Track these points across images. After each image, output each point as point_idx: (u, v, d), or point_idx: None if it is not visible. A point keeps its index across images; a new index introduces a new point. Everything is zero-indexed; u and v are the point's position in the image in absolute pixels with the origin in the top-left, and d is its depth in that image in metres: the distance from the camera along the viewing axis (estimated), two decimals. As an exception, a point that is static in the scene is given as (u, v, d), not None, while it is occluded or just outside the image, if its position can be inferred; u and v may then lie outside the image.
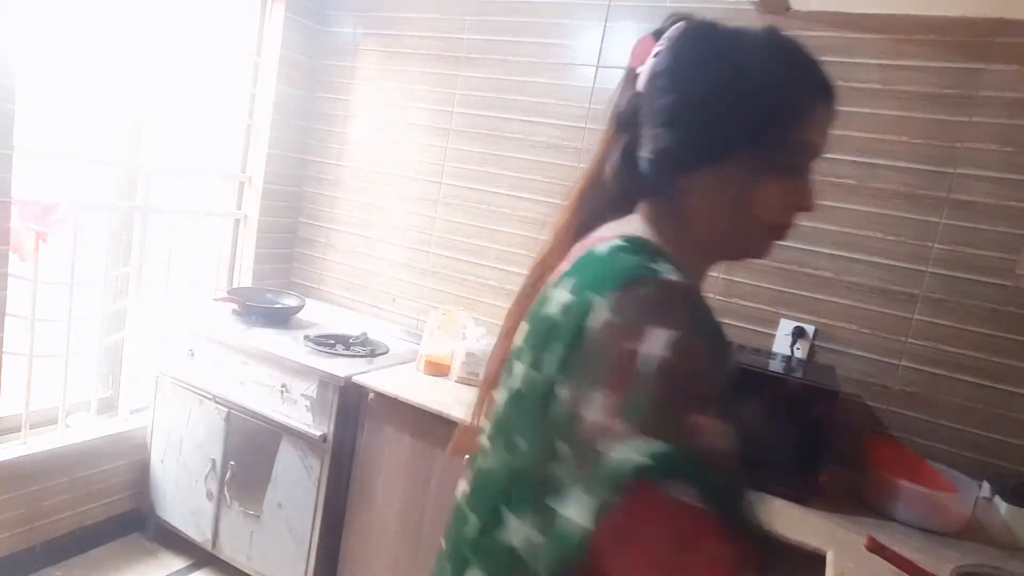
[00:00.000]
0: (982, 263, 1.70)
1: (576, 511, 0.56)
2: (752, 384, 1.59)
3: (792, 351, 1.88)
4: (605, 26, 2.14)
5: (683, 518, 0.54)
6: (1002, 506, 1.56)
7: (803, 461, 1.52)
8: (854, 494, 1.62)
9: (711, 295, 2.01)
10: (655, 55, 0.74)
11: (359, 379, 1.89)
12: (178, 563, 2.26)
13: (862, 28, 1.80)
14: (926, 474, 1.61)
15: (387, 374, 1.97)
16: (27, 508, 2.02)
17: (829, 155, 1.84)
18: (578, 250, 0.71)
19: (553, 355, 0.62)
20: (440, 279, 2.47)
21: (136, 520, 2.36)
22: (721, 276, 1.99)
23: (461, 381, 1.99)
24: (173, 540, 2.30)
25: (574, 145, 2.20)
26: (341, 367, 1.94)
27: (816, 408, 1.52)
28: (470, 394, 1.96)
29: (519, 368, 0.66)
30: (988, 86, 1.68)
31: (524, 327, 0.70)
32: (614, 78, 2.19)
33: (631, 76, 0.75)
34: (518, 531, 0.63)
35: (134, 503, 2.36)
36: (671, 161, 0.69)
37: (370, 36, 2.58)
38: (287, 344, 2.07)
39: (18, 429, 2.01)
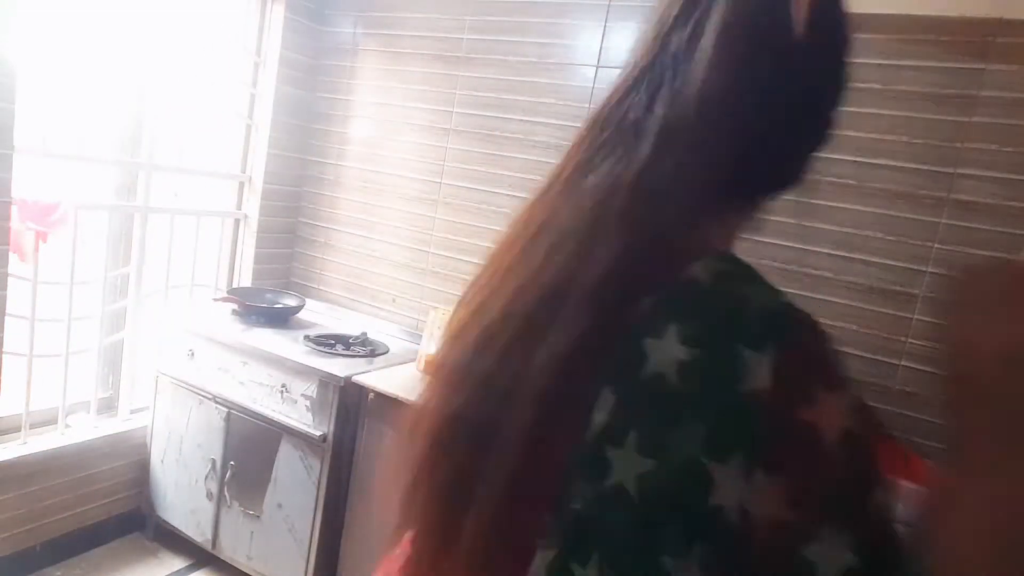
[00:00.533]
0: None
1: None
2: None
3: (792, 351, 1.88)
4: (605, 26, 2.14)
5: None
6: (1002, 506, 1.56)
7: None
8: (854, 494, 1.62)
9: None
10: None
11: (359, 379, 1.89)
12: (178, 563, 2.26)
13: (862, 28, 1.79)
14: (926, 474, 1.61)
15: (387, 374, 1.97)
16: (27, 508, 2.02)
17: (829, 155, 1.84)
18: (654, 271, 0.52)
19: (685, 435, 0.46)
20: (440, 279, 2.47)
21: (136, 520, 2.36)
22: (721, 276, 1.99)
23: (461, 381, 1.99)
24: (173, 540, 2.30)
25: (574, 145, 2.19)
26: (341, 367, 1.94)
27: (816, 408, 1.51)
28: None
29: (613, 459, 0.48)
30: (988, 86, 1.68)
31: (607, 397, 0.49)
32: (614, 78, 2.18)
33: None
34: None
35: (134, 503, 2.36)
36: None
37: (370, 36, 2.58)
38: (287, 344, 2.07)
39: (18, 429, 2.01)
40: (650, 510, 0.47)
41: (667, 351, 0.47)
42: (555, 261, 0.54)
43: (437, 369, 0.63)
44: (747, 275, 0.54)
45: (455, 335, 0.61)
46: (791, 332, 0.49)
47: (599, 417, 0.48)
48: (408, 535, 0.73)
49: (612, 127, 0.58)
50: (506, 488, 0.52)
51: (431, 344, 2.07)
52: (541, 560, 0.50)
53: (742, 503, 0.44)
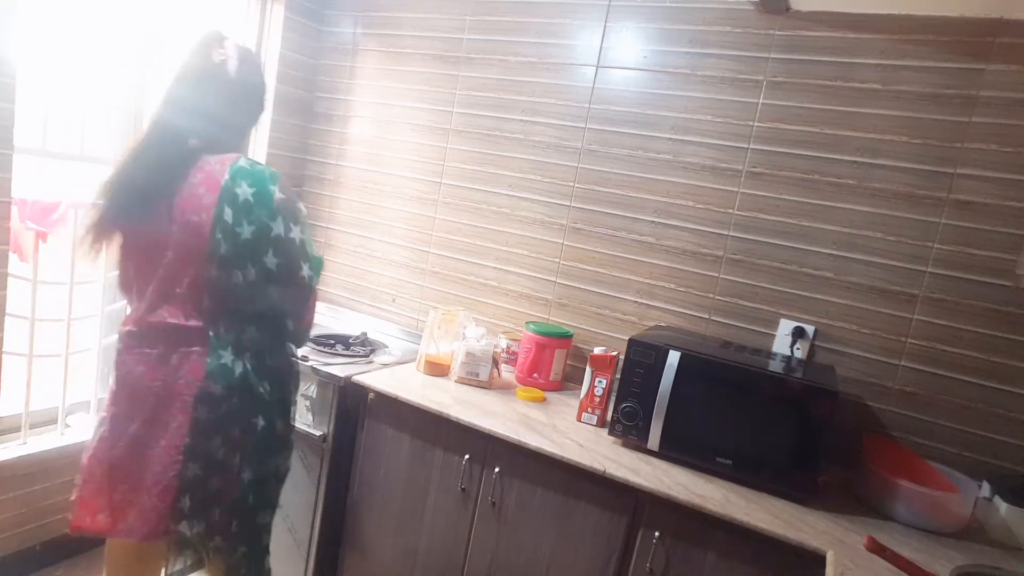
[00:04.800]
0: (982, 263, 1.71)
1: None
2: (752, 384, 1.59)
3: (792, 351, 1.88)
4: (605, 26, 2.14)
5: None
6: (1002, 506, 1.56)
7: (803, 461, 1.53)
8: (854, 494, 1.62)
9: (710, 295, 2.01)
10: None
11: (359, 379, 1.89)
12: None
13: (862, 28, 1.80)
14: (926, 474, 1.61)
15: (387, 374, 1.97)
16: (27, 508, 2.02)
17: (829, 155, 1.84)
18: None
19: (259, 214, 1.33)
20: (440, 279, 2.47)
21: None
22: (721, 276, 1.99)
23: (461, 381, 2.00)
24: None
25: (574, 145, 2.20)
26: (341, 367, 1.94)
27: (816, 408, 1.52)
28: (470, 394, 1.97)
29: (239, 230, 1.33)
30: (988, 86, 1.68)
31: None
32: (614, 78, 2.20)
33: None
34: None
35: (134, 503, 2.35)
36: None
37: (370, 36, 2.58)
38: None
39: (18, 429, 2.01)
40: (255, 246, 1.34)
41: (245, 189, 1.33)
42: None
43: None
44: (256, 162, 1.41)
45: (116, 201, 1.37)
46: (279, 179, 1.38)
47: (227, 216, 1.31)
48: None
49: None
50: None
51: (431, 344, 2.07)
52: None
53: (283, 232, 1.35)
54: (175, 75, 1.41)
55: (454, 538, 1.78)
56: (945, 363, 1.75)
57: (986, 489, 1.63)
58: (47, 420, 2.13)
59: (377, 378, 1.90)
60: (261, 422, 1.40)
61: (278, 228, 1.34)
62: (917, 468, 1.63)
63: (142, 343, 1.37)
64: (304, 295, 1.42)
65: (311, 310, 1.48)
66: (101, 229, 1.37)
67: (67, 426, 2.15)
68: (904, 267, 1.78)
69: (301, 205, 1.42)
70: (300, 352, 1.99)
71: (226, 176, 1.33)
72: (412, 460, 1.84)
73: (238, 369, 1.37)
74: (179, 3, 2.21)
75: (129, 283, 1.41)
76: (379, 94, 2.56)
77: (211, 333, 1.36)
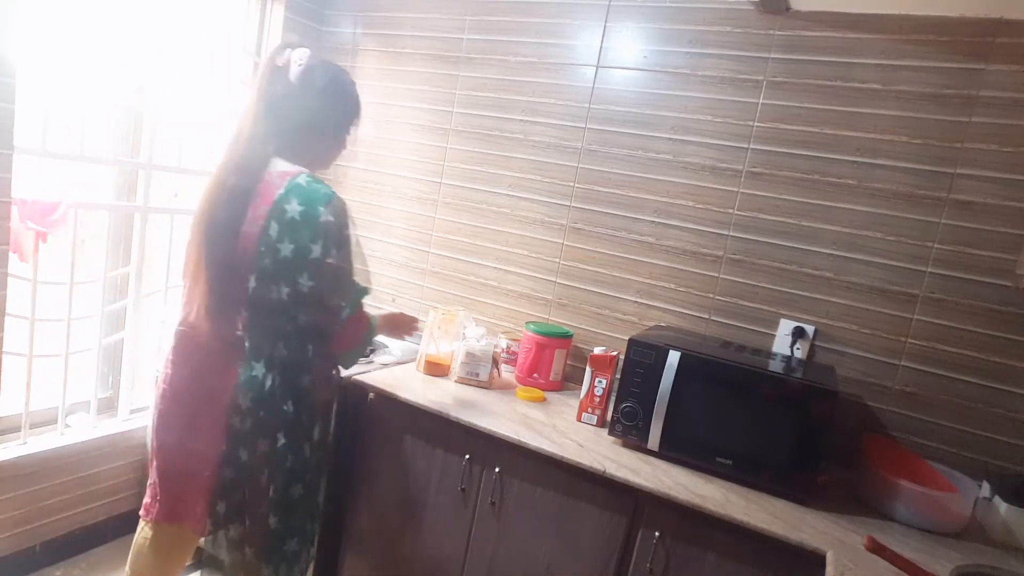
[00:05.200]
0: (982, 263, 1.71)
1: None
2: (752, 384, 1.59)
3: (792, 351, 1.88)
4: (605, 26, 2.14)
5: None
6: (1002, 506, 1.56)
7: (803, 461, 1.52)
8: (854, 494, 1.62)
9: (710, 295, 2.01)
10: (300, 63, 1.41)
11: (359, 379, 1.89)
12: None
13: (862, 28, 1.80)
14: (926, 474, 1.61)
15: (387, 374, 1.97)
16: (27, 508, 2.02)
17: (829, 155, 1.84)
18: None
19: (302, 235, 1.32)
20: (440, 279, 2.47)
21: (136, 520, 2.35)
22: (721, 276, 1.99)
23: (461, 381, 1.99)
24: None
25: (574, 145, 2.20)
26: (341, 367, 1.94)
27: (816, 408, 1.52)
28: (470, 394, 1.97)
29: (280, 247, 1.32)
30: (988, 86, 1.68)
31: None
32: (614, 78, 2.20)
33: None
34: None
35: (134, 503, 2.36)
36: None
37: (370, 36, 2.58)
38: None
39: (18, 429, 2.01)
40: (293, 266, 1.32)
41: (294, 207, 1.32)
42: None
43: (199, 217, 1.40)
44: (317, 180, 1.38)
45: (203, 203, 1.39)
46: (331, 201, 1.35)
47: (272, 231, 1.31)
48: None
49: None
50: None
51: (431, 344, 2.07)
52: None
53: (321, 256, 1.32)
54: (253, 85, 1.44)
55: (454, 538, 1.78)
56: (945, 363, 1.75)
57: (986, 489, 1.63)
58: (47, 420, 2.13)
59: (377, 378, 1.90)
60: (282, 440, 1.40)
61: (317, 251, 1.31)
62: (917, 468, 1.63)
63: (191, 345, 1.42)
64: (332, 322, 1.41)
65: (352, 335, 1.48)
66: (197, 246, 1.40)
67: (67, 426, 2.15)
68: (904, 267, 1.78)
69: (351, 232, 1.39)
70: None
71: (280, 191, 1.32)
72: (412, 460, 1.84)
73: (267, 384, 1.38)
74: (179, 3, 2.21)
75: (191, 287, 1.43)
76: (379, 94, 2.56)
77: (247, 344, 1.39)
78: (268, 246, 1.31)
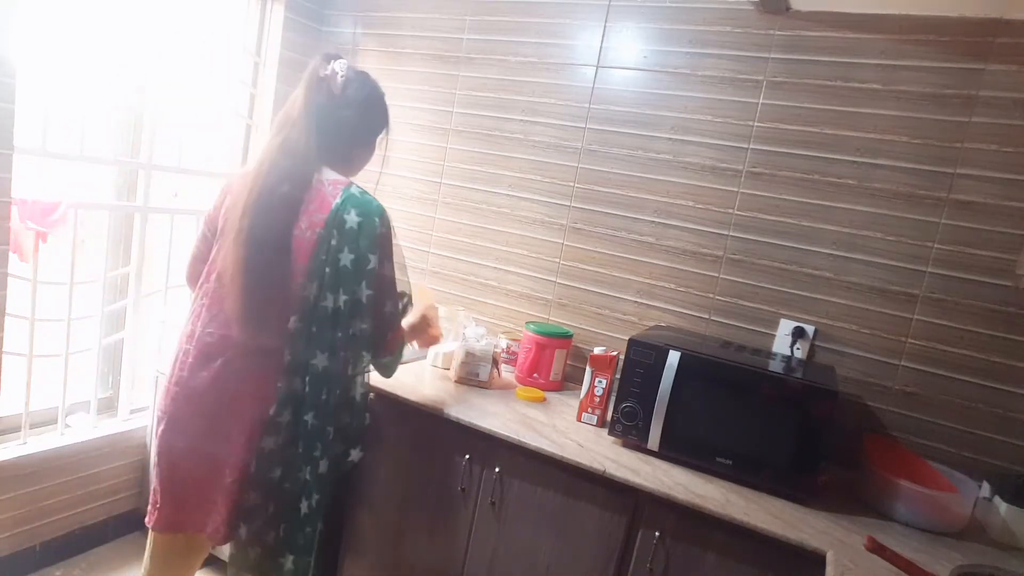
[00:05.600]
0: (982, 263, 1.71)
1: None
2: (752, 384, 1.59)
3: (792, 351, 1.88)
4: (605, 26, 2.14)
5: None
6: (1002, 506, 1.56)
7: (803, 461, 1.52)
8: (854, 494, 1.62)
9: (710, 295, 2.01)
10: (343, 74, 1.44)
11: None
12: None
13: (862, 28, 1.80)
14: (926, 474, 1.61)
15: (387, 374, 1.97)
16: (27, 508, 2.02)
17: (829, 155, 1.84)
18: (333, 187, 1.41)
19: (361, 244, 1.35)
20: (440, 279, 2.47)
21: (136, 520, 2.36)
22: (721, 276, 1.99)
23: (461, 381, 2.00)
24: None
25: (574, 145, 2.20)
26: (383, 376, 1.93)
27: (816, 408, 1.52)
28: (470, 394, 1.97)
29: (340, 256, 1.35)
30: (988, 86, 1.68)
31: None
32: (614, 78, 2.20)
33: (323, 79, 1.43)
34: None
35: (134, 503, 2.36)
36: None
37: (370, 36, 2.58)
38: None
39: (18, 429, 2.01)
40: (353, 275, 1.36)
41: (352, 217, 1.36)
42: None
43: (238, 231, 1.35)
44: (366, 191, 1.44)
45: (249, 209, 1.34)
46: (383, 213, 1.41)
47: (333, 240, 1.35)
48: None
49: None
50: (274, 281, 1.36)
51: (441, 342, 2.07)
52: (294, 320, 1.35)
53: (378, 266, 1.38)
54: (293, 94, 1.43)
55: (454, 538, 1.78)
56: (945, 363, 1.75)
57: (986, 489, 1.63)
58: (47, 420, 2.13)
59: (377, 378, 1.90)
60: (299, 451, 1.40)
61: (374, 261, 1.36)
62: (917, 468, 1.63)
63: (215, 351, 1.36)
64: (384, 329, 1.44)
65: (395, 342, 1.50)
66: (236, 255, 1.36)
67: (67, 426, 2.15)
68: (904, 267, 1.78)
69: (398, 244, 1.45)
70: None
71: (338, 200, 1.35)
72: (412, 460, 1.84)
73: (296, 395, 1.37)
74: (179, 3, 2.21)
75: (221, 291, 1.38)
76: (379, 94, 2.56)
77: (288, 356, 1.35)
78: (329, 255, 1.33)
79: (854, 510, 1.54)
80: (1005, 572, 1.31)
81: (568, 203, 2.22)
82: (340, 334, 1.36)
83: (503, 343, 2.22)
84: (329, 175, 1.41)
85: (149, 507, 1.45)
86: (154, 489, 1.43)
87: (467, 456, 1.74)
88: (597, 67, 2.15)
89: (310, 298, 1.34)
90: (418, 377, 2.00)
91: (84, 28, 1.99)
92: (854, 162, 1.82)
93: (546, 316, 2.28)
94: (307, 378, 1.37)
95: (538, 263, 2.29)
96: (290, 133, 1.39)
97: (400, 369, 2.04)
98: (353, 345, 1.39)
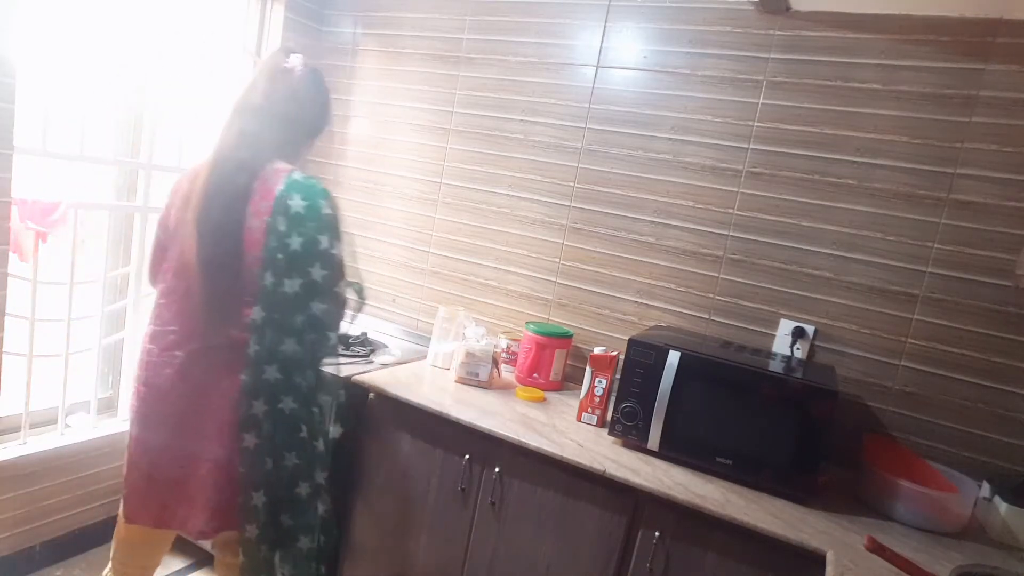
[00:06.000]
0: (982, 263, 1.71)
1: None
2: (752, 384, 1.59)
3: (792, 351, 1.88)
4: (605, 26, 2.14)
5: None
6: (1002, 506, 1.56)
7: (803, 461, 1.52)
8: (854, 494, 1.62)
9: (710, 295, 2.01)
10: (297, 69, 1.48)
11: (359, 379, 1.89)
12: (178, 563, 2.26)
13: (862, 28, 1.80)
14: (926, 474, 1.61)
15: (387, 374, 1.97)
16: (27, 508, 2.02)
17: (829, 155, 1.84)
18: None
19: (308, 228, 1.35)
20: (440, 279, 2.47)
21: (136, 520, 2.35)
22: (721, 276, 1.99)
23: (461, 381, 2.00)
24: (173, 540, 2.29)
25: (574, 145, 2.20)
26: (341, 367, 1.94)
27: (816, 408, 1.52)
28: (470, 394, 1.97)
29: (290, 242, 1.34)
30: (988, 86, 1.68)
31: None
32: (614, 78, 2.19)
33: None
34: None
35: (134, 503, 2.36)
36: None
37: (370, 36, 2.58)
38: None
39: (18, 429, 2.01)
40: (304, 258, 1.34)
41: (297, 202, 1.35)
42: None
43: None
44: (309, 176, 1.42)
45: (200, 200, 1.37)
46: (328, 195, 1.40)
47: (281, 225, 1.33)
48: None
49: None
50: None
51: (442, 342, 2.08)
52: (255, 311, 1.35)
53: (329, 246, 1.37)
54: (244, 86, 1.46)
55: (454, 538, 1.78)
56: (945, 363, 1.75)
57: (986, 489, 1.63)
58: (47, 420, 2.13)
59: (377, 378, 1.90)
60: (280, 441, 1.39)
61: (325, 242, 1.37)
62: (917, 468, 1.63)
63: (173, 346, 1.38)
64: (341, 309, 1.46)
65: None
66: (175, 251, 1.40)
67: (67, 426, 2.15)
68: (904, 267, 1.78)
69: (344, 226, 1.46)
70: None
71: (280, 187, 1.36)
72: (412, 460, 1.84)
73: (268, 384, 1.37)
74: (179, 3, 2.21)
75: (175, 286, 1.39)
76: (379, 94, 2.56)
77: (255, 345, 1.35)
78: (279, 241, 1.33)
79: (854, 510, 1.54)
80: (1005, 572, 1.31)
81: (568, 203, 2.22)
82: (302, 317, 1.37)
83: (503, 343, 2.22)
84: (273, 163, 1.41)
85: (122, 500, 1.48)
86: (127, 482, 1.46)
87: (467, 456, 1.74)
88: (597, 67, 2.15)
89: (267, 286, 1.34)
90: (418, 377, 2.00)
91: (84, 28, 1.99)
92: (854, 162, 1.82)
93: (546, 316, 2.28)
94: (278, 365, 1.37)
95: (538, 263, 2.29)
96: (248, 122, 1.42)
97: (400, 369, 2.05)
98: (317, 326, 1.40)
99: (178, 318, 1.38)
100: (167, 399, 1.38)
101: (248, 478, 1.37)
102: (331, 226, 1.38)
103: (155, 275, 1.49)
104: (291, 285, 1.34)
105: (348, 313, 1.48)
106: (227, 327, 1.36)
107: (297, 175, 1.39)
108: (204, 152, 1.43)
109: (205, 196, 1.36)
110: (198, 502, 1.38)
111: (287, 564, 1.45)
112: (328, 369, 1.47)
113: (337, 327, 1.46)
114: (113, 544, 1.55)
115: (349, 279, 1.46)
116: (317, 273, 1.36)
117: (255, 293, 1.34)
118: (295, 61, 1.46)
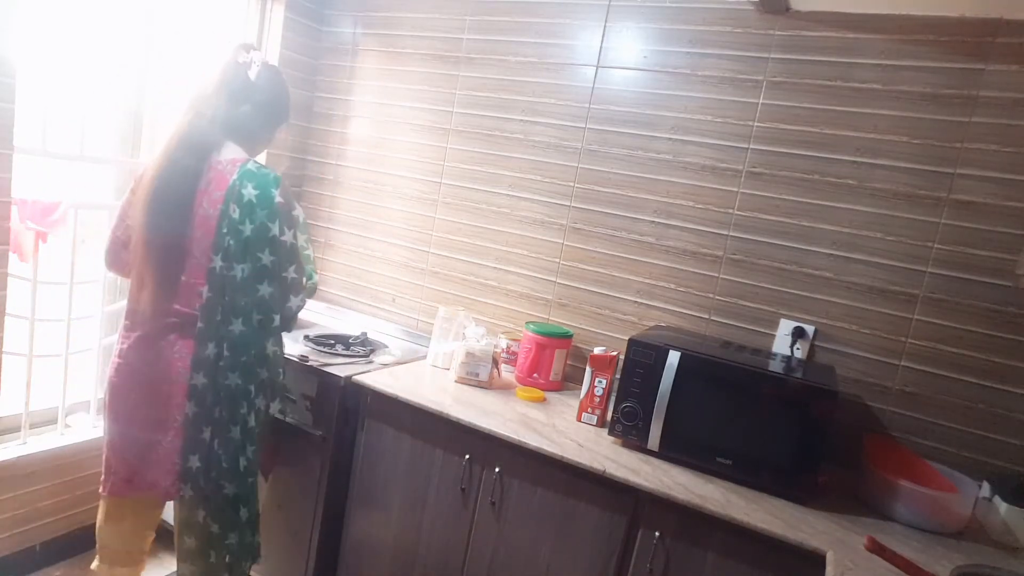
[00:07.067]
0: (982, 263, 1.71)
1: None
2: (752, 384, 1.59)
3: (792, 351, 1.88)
4: (605, 26, 2.14)
5: None
6: (1002, 506, 1.56)
7: (803, 461, 1.52)
8: (854, 494, 1.62)
9: (710, 295, 2.01)
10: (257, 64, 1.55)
11: (359, 379, 1.89)
12: (175, 564, 2.26)
13: (862, 28, 1.80)
14: (926, 474, 1.61)
15: (387, 374, 1.97)
16: (27, 508, 2.02)
17: (829, 155, 1.84)
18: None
19: (260, 215, 1.43)
20: (440, 279, 2.47)
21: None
22: (721, 276, 1.99)
23: (461, 381, 2.00)
24: (173, 540, 2.29)
25: (574, 145, 2.20)
26: (341, 367, 1.94)
27: (816, 408, 1.52)
28: (470, 394, 1.97)
29: (242, 229, 1.43)
30: (988, 86, 1.68)
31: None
32: (614, 78, 2.20)
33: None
34: None
35: (134, 503, 2.36)
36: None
37: (370, 36, 2.58)
38: (287, 344, 2.06)
39: (18, 429, 2.01)
40: (255, 244, 1.43)
41: (250, 191, 1.44)
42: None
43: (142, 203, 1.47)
44: (263, 166, 1.50)
45: (153, 183, 1.45)
46: (280, 184, 1.47)
47: (234, 213, 1.42)
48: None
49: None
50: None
51: (442, 342, 2.07)
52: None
53: (278, 233, 1.45)
54: (203, 77, 1.53)
55: (454, 538, 1.78)
56: (945, 363, 1.75)
57: (986, 489, 1.63)
58: (47, 420, 2.13)
59: (377, 378, 1.90)
60: (224, 413, 1.50)
61: (275, 229, 1.45)
62: (917, 468, 1.63)
63: (138, 324, 1.49)
64: (287, 292, 1.53)
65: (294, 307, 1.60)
66: (139, 235, 1.48)
67: (67, 426, 2.15)
68: (904, 267, 1.78)
69: (299, 212, 1.56)
70: (300, 352, 2.00)
71: (234, 176, 1.45)
72: (412, 460, 1.84)
73: (216, 360, 1.47)
74: (179, 3, 2.21)
75: (144, 277, 1.49)
76: (379, 94, 2.56)
77: (201, 324, 1.45)
78: (231, 227, 1.43)
79: (854, 510, 1.54)
80: (1005, 572, 1.31)
81: (568, 203, 2.22)
82: (247, 299, 1.46)
83: (503, 343, 2.22)
84: (228, 153, 1.49)
85: (103, 476, 1.55)
86: (106, 457, 1.54)
87: (467, 456, 1.74)
88: (597, 67, 2.15)
89: (217, 270, 1.44)
90: (418, 377, 2.01)
91: (84, 28, 1.99)
92: (854, 162, 1.82)
93: (546, 316, 2.28)
94: (225, 344, 1.47)
95: (538, 263, 2.29)
96: (201, 109, 1.49)
97: (400, 369, 2.05)
98: (263, 308, 1.48)
99: (139, 297, 1.49)
100: (136, 371, 1.49)
101: (189, 443, 1.48)
102: (282, 214, 1.47)
103: (115, 259, 1.60)
104: (241, 270, 1.44)
105: (297, 296, 1.55)
106: (178, 307, 1.46)
107: (251, 165, 1.48)
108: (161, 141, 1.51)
109: (155, 180, 1.44)
110: (165, 465, 1.49)
111: (232, 533, 1.57)
112: (274, 348, 1.55)
113: (281, 309, 1.53)
114: (97, 531, 1.61)
115: (300, 264, 1.54)
116: (267, 258, 1.45)
117: (205, 276, 1.44)
118: (253, 57, 1.54)
